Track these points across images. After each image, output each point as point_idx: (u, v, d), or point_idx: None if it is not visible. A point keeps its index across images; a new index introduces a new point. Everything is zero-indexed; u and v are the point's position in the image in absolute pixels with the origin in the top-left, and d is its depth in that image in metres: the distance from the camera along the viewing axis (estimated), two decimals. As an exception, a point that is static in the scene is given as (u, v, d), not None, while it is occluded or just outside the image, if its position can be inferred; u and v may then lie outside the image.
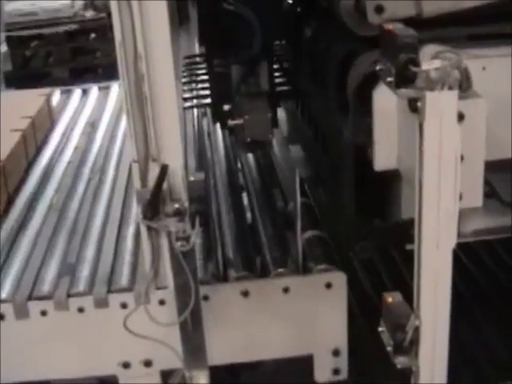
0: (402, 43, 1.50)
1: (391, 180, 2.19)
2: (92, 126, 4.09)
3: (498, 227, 2.30)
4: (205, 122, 4.02)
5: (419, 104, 1.49)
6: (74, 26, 8.28)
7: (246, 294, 2.42)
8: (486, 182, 1.93)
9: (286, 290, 2.43)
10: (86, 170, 3.47)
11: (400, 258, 3.25)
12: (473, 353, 2.75)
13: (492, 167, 1.90)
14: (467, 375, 2.64)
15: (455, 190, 1.57)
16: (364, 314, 2.90)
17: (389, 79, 1.52)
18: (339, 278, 2.43)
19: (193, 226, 1.87)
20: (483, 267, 3.19)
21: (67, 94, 4.74)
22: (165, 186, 1.86)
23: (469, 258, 3.21)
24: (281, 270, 2.48)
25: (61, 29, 8.22)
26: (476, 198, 1.84)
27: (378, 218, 2.30)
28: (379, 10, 1.98)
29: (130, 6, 1.75)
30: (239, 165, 3.45)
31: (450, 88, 1.48)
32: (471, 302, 2.95)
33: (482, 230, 2.25)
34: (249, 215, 2.99)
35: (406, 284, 2.96)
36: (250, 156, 3.42)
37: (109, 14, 6.06)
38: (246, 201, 3.09)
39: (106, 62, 8.39)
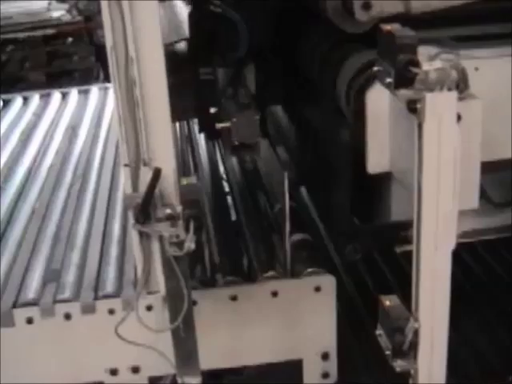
0: (401, 44, 1.49)
1: (381, 182, 2.18)
2: (73, 129, 4.05)
3: (487, 228, 2.30)
4: (185, 124, 4.00)
5: (418, 105, 1.48)
6: (50, 30, 8.21)
7: (234, 298, 2.40)
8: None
9: (274, 293, 2.41)
10: (69, 175, 3.43)
11: (383, 260, 3.25)
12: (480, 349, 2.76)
13: (482, 167, 1.90)
14: (476, 372, 2.65)
15: (454, 191, 1.56)
16: (349, 318, 2.90)
17: (388, 80, 1.51)
18: (328, 281, 2.42)
19: (187, 231, 1.85)
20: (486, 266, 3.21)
21: (46, 97, 4.70)
22: (156, 190, 1.83)
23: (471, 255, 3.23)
24: (269, 273, 2.46)
25: (37, 33, 8.16)
26: (472, 200, 1.84)
27: (368, 220, 2.30)
28: (367, 6, 1.97)
29: (120, 9, 1.73)
30: (223, 168, 3.44)
31: (449, 89, 1.47)
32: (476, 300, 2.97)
33: (471, 231, 2.26)
34: (234, 219, 2.97)
35: (390, 286, 3.01)
36: (234, 159, 3.41)
37: (86, 18, 6.06)
38: (231, 204, 3.07)
39: (82, 66, 8.38)
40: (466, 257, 3.21)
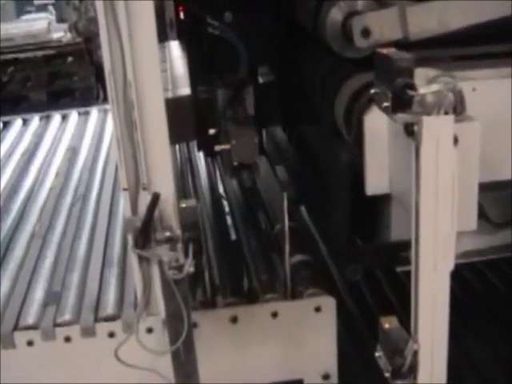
0: (398, 67, 1.49)
1: (380, 202, 2.18)
2: (73, 151, 4.06)
3: (487, 248, 2.30)
4: (184, 144, 4.01)
5: (416, 128, 1.48)
6: (51, 51, 8.25)
7: (234, 319, 2.39)
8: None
9: (274, 314, 2.41)
10: (69, 196, 3.44)
11: (385, 279, 3.24)
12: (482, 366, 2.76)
13: (480, 187, 1.90)
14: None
15: (452, 212, 1.56)
16: (350, 337, 2.89)
17: (385, 104, 1.51)
18: (328, 302, 2.41)
19: (186, 254, 1.85)
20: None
21: (46, 119, 4.71)
22: (156, 213, 1.83)
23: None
24: (269, 295, 2.46)
25: (38, 53, 8.20)
26: (470, 222, 1.84)
27: (369, 240, 2.30)
28: (366, 33, 1.99)
29: (119, 33, 1.73)
30: (222, 188, 3.44)
31: (446, 112, 1.47)
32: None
33: (471, 251, 2.25)
34: (234, 238, 2.96)
35: (391, 306, 3.00)
36: (234, 179, 3.41)
37: (86, 39, 6.08)
38: (231, 224, 3.07)
39: (83, 85, 8.40)
40: (466, 273, 3.20)
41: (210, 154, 2.86)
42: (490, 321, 2.95)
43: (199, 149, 2.84)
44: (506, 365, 2.74)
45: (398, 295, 3.04)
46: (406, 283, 2.82)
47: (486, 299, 3.10)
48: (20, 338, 2.37)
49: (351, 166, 2.09)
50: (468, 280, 3.19)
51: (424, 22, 2.00)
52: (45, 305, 2.51)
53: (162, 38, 3.29)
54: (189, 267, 1.86)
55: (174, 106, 1.99)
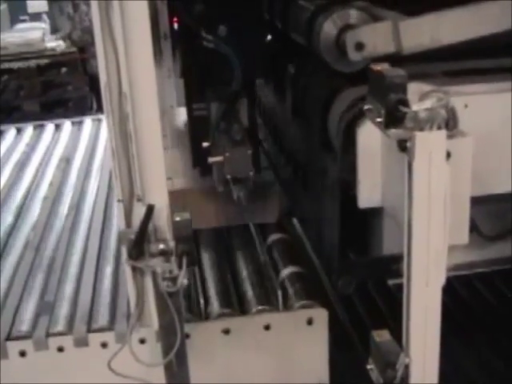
0: (391, 83, 1.50)
1: (374, 216, 2.19)
2: (66, 161, 4.05)
3: (478, 261, 2.30)
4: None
5: (408, 144, 1.49)
6: (45, 60, 8.24)
7: (227, 331, 2.40)
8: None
9: (267, 327, 2.42)
10: (62, 206, 3.44)
11: (377, 292, 3.24)
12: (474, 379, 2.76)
13: (472, 201, 1.91)
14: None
15: (444, 227, 1.57)
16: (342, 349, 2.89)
17: (378, 120, 1.52)
18: (320, 314, 2.43)
19: (180, 266, 1.85)
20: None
21: (40, 128, 4.71)
22: (150, 225, 1.84)
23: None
24: (262, 306, 2.47)
25: (32, 63, 8.19)
26: (462, 236, 1.84)
27: (360, 254, 2.31)
28: (359, 47, 2.00)
29: (114, 46, 1.74)
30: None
31: (439, 128, 1.48)
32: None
33: (462, 264, 2.26)
34: (228, 251, 2.96)
35: (383, 318, 3.00)
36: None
37: (80, 49, 6.04)
38: (223, 236, 3.07)
39: (76, 95, 8.40)
40: (458, 286, 3.21)
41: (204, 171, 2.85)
42: (482, 333, 2.95)
43: (195, 165, 2.84)
44: (498, 377, 2.74)
45: (389, 307, 3.04)
46: (397, 296, 2.83)
47: (478, 312, 3.10)
48: (13, 347, 2.38)
49: (342, 179, 2.10)
50: (460, 293, 3.20)
51: (417, 37, 2.01)
52: (38, 315, 2.51)
53: (157, 50, 3.30)
54: (182, 279, 1.87)
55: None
